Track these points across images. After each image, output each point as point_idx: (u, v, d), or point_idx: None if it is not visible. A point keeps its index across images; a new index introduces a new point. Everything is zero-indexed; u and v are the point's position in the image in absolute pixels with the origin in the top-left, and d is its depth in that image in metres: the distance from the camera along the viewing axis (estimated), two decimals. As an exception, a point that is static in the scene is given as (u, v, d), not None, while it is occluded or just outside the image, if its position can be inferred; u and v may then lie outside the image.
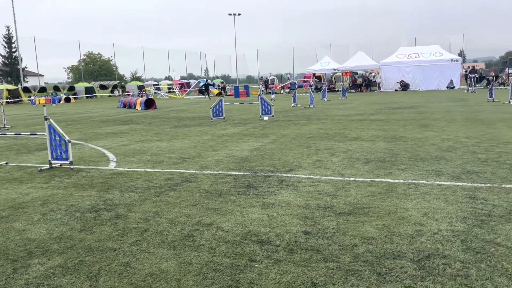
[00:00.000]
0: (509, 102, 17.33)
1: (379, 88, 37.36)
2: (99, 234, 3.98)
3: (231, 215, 4.39)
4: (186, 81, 60.28)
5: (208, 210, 4.57)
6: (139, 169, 6.91)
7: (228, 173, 6.36)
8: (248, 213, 4.43)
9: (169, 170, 6.70)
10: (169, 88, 48.80)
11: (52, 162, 7.30)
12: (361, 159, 7.02)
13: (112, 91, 51.51)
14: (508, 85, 25.60)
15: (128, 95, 42.29)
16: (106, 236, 3.93)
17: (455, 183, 5.27)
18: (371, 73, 42.73)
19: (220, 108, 15.25)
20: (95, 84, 52.22)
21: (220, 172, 6.45)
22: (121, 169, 6.99)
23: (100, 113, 21.47)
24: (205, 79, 49.07)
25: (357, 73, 42.35)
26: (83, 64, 66.78)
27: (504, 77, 37.37)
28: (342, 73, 42.16)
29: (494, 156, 6.77)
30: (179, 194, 5.25)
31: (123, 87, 50.56)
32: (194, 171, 6.56)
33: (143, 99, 24.57)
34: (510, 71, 43.95)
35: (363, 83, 38.69)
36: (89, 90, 47.96)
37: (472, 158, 6.74)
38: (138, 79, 67.13)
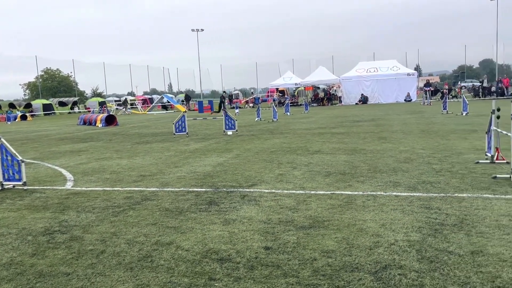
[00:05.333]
0: (462, 114, 18.18)
1: (340, 101, 38.33)
2: (52, 258, 3.80)
3: (192, 233, 4.32)
4: (149, 96, 59.48)
5: (168, 229, 4.47)
6: (98, 188, 6.71)
7: (190, 189, 6.28)
8: (209, 230, 4.38)
9: (129, 189, 6.53)
10: (131, 104, 47.95)
11: (4, 183, 6.96)
12: (322, 172, 7.13)
13: (71, 108, 50.03)
14: (460, 97, 26.91)
15: (89, 111, 41.22)
16: (60, 260, 3.76)
17: (411, 194, 5.43)
18: (332, 87, 43.83)
19: (183, 124, 15.12)
20: (53, 101, 50.54)
21: (182, 189, 6.35)
22: (78, 188, 6.76)
23: (58, 131, 20.77)
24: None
25: (319, 87, 43.31)
26: (40, 80, 64.64)
27: (456, 90, 39.25)
28: (305, 87, 43.01)
29: (448, 167, 7.05)
30: (138, 213, 5.12)
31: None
32: (155, 189, 6.43)
33: (103, 115, 24.01)
34: (462, 84, 46.30)
35: (324, 97, 39.59)
36: (47, 107, 46.34)
37: (428, 168, 6.98)
38: (99, 95, 65.62)
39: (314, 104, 38.22)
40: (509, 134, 6.08)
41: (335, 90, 42.76)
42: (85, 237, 4.35)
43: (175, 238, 4.19)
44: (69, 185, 7.05)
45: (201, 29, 62.80)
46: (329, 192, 5.71)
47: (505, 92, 34.76)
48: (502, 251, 3.47)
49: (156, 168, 8.34)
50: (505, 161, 6.98)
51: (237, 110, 30.41)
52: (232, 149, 10.58)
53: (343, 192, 5.68)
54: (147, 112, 41.21)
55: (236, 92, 56.27)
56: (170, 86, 79.78)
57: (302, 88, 44.73)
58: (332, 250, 3.67)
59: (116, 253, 3.85)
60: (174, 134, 14.90)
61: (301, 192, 5.82)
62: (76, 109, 49.39)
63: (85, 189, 6.69)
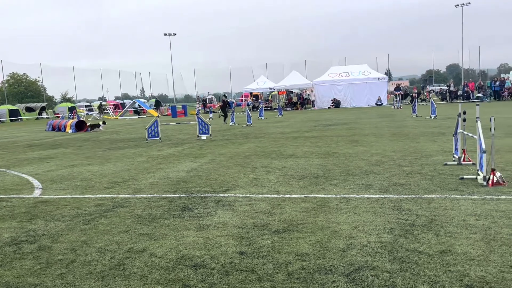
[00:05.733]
0: (430, 117, 18.70)
1: (313, 106, 38.77)
2: (19, 269, 3.67)
3: (165, 239, 4.26)
4: (120, 101, 58.46)
5: (141, 236, 4.40)
6: (67, 195, 6.53)
7: (163, 196, 6.20)
8: (182, 236, 4.33)
9: (100, 196, 6.39)
10: (102, 109, 46.99)
11: (-33, 192, 6.68)
12: (296, 175, 7.17)
13: (39, 114, 48.60)
14: (428, 101, 27.70)
15: (58, 117, 40.14)
16: (27, 270, 3.63)
17: (383, 196, 5.54)
18: (305, 91, 44.29)
19: (156, 129, 14.93)
20: (20, 107, 48.93)
21: (155, 195, 6.26)
22: (47, 196, 6.55)
23: (26, 137, 20.12)
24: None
25: (292, 92, 43.69)
26: (6, 85, 62.54)
27: (425, 93, 40.38)
28: (278, 91, 43.28)
29: (418, 168, 7.23)
30: (110, 221, 5.01)
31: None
32: (127, 196, 6.31)
33: (73, 121, 23.43)
34: (431, 88, 47.68)
35: (298, 101, 39.93)
36: (13, 113, 44.78)
37: (398, 171, 7.14)
38: (69, 100, 64.03)
39: (288, 108, 38.50)
40: (474, 136, 6.29)
41: (308, 94, 43.23)
42: (54, 246, 4.22)
43: (148, 245, 4.12)
44: (37, 193, 6.84)
45: (173, 33, 62.34)
46: (303, 196, 5.75)
47: (471, 95, 36.01)
48: (470, 250, 3.58)
49: (128, 174, 8.19)
50: (471, 163, 7.22)
51: (211, 115, 30.28)
52: (206, 154, 10.52)
53: (316, 195, 5.73)
54: (119, 117, 40.51)
55: (210, 96, 56.08)
56: (143, 90, 78.69)
57: (276, 92, 44.99)
58: (306, 253, 3.70)
59: (87, 262, 3.75)
60: (147, 140, 14.69)
61: (276, 196, 5.84)
62: (44, 115, 48.00)
63: (54, 197, 6.50)
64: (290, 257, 3.64)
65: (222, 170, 8.12)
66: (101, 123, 23.29)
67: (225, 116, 24.77)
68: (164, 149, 12.17)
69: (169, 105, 48.75)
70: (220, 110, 24.95)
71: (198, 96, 57.87)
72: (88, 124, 23.06)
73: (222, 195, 6.05)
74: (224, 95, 29.80)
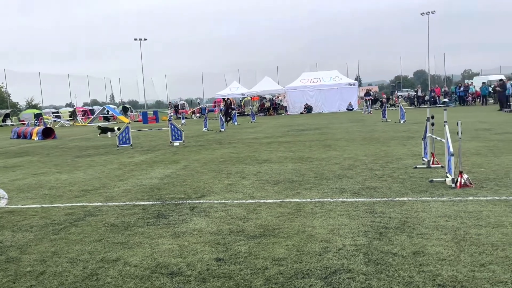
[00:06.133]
0: (400, 122, 19.19)
1: (286, 111, 39.09)
2: (-15, 283, 3.51)
3: (139, 248, 4.18)
4: (89, 107, 57.13)
5: (114, 245, 4.29)
6: (35, 205, 6.31)
7: (136, 203, 6.08)
8: (157, 244, 4.26)
9: (70, 204, 6.21)
10: (70, 116, 45.82)
11: None
12: (271, 180, 7.20)
13: (3, 121, 46.85)
14: (397, 106, 28.43)
15: (23, 124, 38.82)
16: (-6, 284, 3.48)
17: (357, 199, 5.62)
18: (278, 97, 44.61)
19: (127, 135, 14.67)
20: (-17, 114, 47.07)
21: (127, 203, 6.14)
22: (13, 206, 6.31)
23: (-10, 145, 19.34)
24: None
25: (265, 97, 43.92)
26: (-32, 91, 60.13)
27: (394, 99, 41.43)
28: (251, 97, 43.42)
29: (389, 172, 7.39)
30: (81, 230, 4.88)
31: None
32: (98, 204, 6.16)
33: (40, 128, 22.72)
34: (399, 93, 48.94)
35: (270, 106, 40.17)
36: (-25, 120, 43.05)
37: (370, 174, 7.27)
38: (35, 106, 62.06)
39: (261, 114, 38.68)
40: (442, 140, 6.49)
41: (281, 100, 43.55)
42: (23, 258, 4.06)
43: (122, 254, 4.03)
44: (2, 203, 6.57)
45: (144, 39, 61.64)
46: (278, 201, 5.77)
47: (437, 100, 37.19)
48: (441, 250, 3.68)
49: (99, 182, 8.00)
50: (440, 165, 7.44)
51: (183, 121, 30.03)
52: (179, 160, 10.41)
53: (292, 200, 5.76)
54: (88, 124, 39.59)
55: (182, 102, 55.61)
56: (112, 97, 77.19)
57: (249, 98, 45.12)
58: (283, 258, 3.70)
59: (58, 273, 3.63)
60: (118, 146, 14.41)
61: (251, 201, 5.83)
62: (8, 122, 46.33)
63: (21, 206, 6.27)
64: (267, 262, 3.64)
65: (196, 176, 8.05)
66: (116, 128, 21.64)
67: (229, 119, 24.64)
68: (136, 156, 11.96)
69: (140, 111, 48.01)
70: (222, 113, 23.82)
71: (169, 102, 57.33)
72: (99, 126, 21.71)
73: (197, 201, 6.00)
74: (228, 98, 28.88)
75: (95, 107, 56.30)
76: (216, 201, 5.93)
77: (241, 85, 46.37)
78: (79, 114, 44.91)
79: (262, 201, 5.81)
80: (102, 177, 8.50)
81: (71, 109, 53.60)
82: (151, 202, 6.08)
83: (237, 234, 4.43)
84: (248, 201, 5.86)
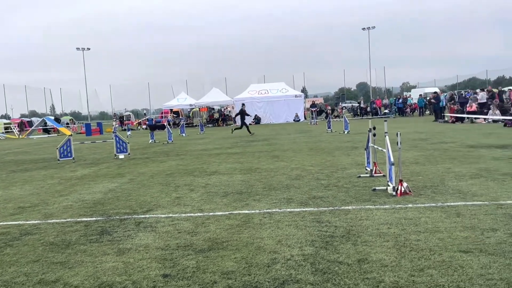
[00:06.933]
0: (344, 132, 19.88)
1: (235, 122, 39.20)
2: None
3: (81, 267, 3.98)
4: (27, 119, 54.02)
5: (54, 265, 4.06)
6: (-36, 225, 5.83)
7: (78, 220, 5.80)
8: (101, 262, 4.08)
9: (4, 223, 5.80)
10: (6, 128, 43.04)
11: None
12: (220, 192, 7.16)
13: None
14: (342, 117, 29.47)
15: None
16: None
17: (304, 209, 5.73)
18: (226, 108, 44.71)
19: (69, 148, 14.01)
20: None
21: (69, 220, 5.84)
22: None
23: None
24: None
25: (213, 108, 43.84)
26: None
27: (338, 110, 42.92)
28: (199, 108, 43.15)
29: (334, 181, 7.61)
30: (17, 250, 4.57)
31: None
32: (36, 222, 5.80)
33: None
34: (343, 105, 50.79)
35: (219, 117, 40.15)
36: None
37: (317, 184, 7.45)
38: (-35, 118, 57.70)
39: (210, 125, 38.53)
40: (384, 150, 6.80)
41: (229, 111, 43.69)
42: (-52, 284, 3.73)
43: (62, 274, 3.81)
44: None
45: (87, 48, 59.54)
46: (227, 213, 5.75)
47: (379, 112, 39.01)
48: (384, 257, 3.83)
49: (37, 198, 7.56)
50: (381, 174, 7.78)
51: (129, 132, 29.18)
52: (124, 174, 10.08)
53: (240, 212, 5.76)
54: (26, 137, 37.40)
55: (128, 113, 54.10)
56: (53, 108, 73.54)
57: (197, 109, 44.82)
58: (231, 271, 3.68)
59: (-11, 299, 3.36)
60: (59, 160, 13.71)
61: (200, 214, 5.76)
62: None
63: None
64: (215, 276, 3.60)
65: (142, 190, 7.84)
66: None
67: (247, 127, 22.46)
68: (78, 169, 11.45)
69: (83, 123, 46.10)
70: (237, 121, 21.11)
71: (114, 113, 55.58)
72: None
73: (143, 216, 5.83)
74: (243, 104, 25.63)
75: (34, 119, 53.32)
76: (163, 215, 5.79)
77: (189, 96, 46.02)
78: (15, 127, 42.27)
79: (211, 213, 5.76)
80: (41, 193, 8.03)
81: (7, 121, 50.44)
82: (94, 218, 5.83)
83: (185, 249, 4.35)
84: (196, 214, 5.78)
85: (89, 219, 5.82)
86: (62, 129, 37.61)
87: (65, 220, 5.83)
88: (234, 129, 22.24)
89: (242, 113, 23.12)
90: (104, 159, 13.94)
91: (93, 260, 4.16)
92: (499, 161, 8.96)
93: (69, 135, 15.31)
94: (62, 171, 11.31)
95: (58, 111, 69.90)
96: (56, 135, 37.04)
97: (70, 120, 48.74)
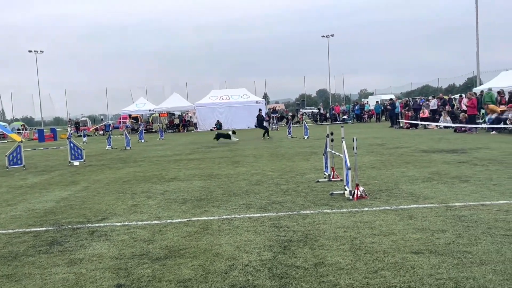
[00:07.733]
0: (304, 138, 20.16)
1: (196, 128, 38.86)
2: None
3: (29, 279, 3.78)
4: (-26, 124, 51.03)
5: (-2, 279, 3.83)
6: None
7: (27, 230, 5.52)
8: (50, 274, 3.89)
9: None
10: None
11: None
12: (178, 199, 7.04)
13: None
14: (302, 123, 29.91)
15: None
16: None
17: (263, 214, 5.73)
18: (187, 113, 44.25)
19: (19, 155, 13.35)
20: None
21: (16, 230, 5.54)
22: None
23: None
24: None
25: (174, 114, 43.26)
26: None
27: (299, 116, 43.54)
28: (159, 114, 42.45)
29: (294, 186, 7.68)
30: (-43, 264, 4.27)
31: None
32: (-19, 233, 5.47)
33: None
34: (304, 111, 51.59)
35: (180, 123, 39.65)
36: None
37: (276, 189, 7.49)
38: None
39: (170, 131, 37.95)
40: (341, 155, 6.95)
41: (190, 117, 43.26)
42: None
43: (7, 288, 3.60)
44: None
45: (40, 51, 57.30)
46: (185, 220, 5.66)
47: (337, 117, 39.90)
48: (340, 260, 3.89)
49: (-17, 208, 7.13)
50: (339, 179, 7.93)
51: (85, 138, 28.22)
52: (79, 181, 9.72)
53: (199, 218, 5.68)
54: (-27, 143, 35.29)
55: (84, 119, 52.38)
56: (3, 112, 70.01)
57: (157, 114, 44.07)
58: (188, 279, 3.61)
59: None
60: (7, 168, 13.03)
61: (157, 222, 5.63)
62: None
63: None
64: (172, 284, 3.52)
65: (97, 198, 7.58)
66: (230, 132, 19.84)
67: (266, 131, 22.02)
68: (29, 177, 10.92)
69: (35, 129, 44.14)
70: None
71: (69, 119, 53.71)
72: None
73: (97, 225, 5.63)
74: (260, 109, 24.71)
75: (-19, 124, 50.43)
76: (118, 224, 5.62)
77: (149, 101, 45.18)
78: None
79: (169, 221, 5.64)
80: (-14, 203, 7.59)
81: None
82: (44, 228, 5.56)
83: (141, 257, 4.23)
84: (153, 222, 5.65)
85: (38, 229, 5.55)
86: (12, 135, 35.82)
87: (12, 230, 5.53)
88: (267, 137, 21.64)
89: (260, 119, 23.02)
90: (58, 166, 13.39)
91: (42, 272, 3.96)
92: (449, 165, 9.38)
93: (19, 142, 14.60)
94: (11, 179, 10.76)
95: (8, 116, 66.60)
96: (6, 141, 35.23)
97: (21, 125, 46.60)
